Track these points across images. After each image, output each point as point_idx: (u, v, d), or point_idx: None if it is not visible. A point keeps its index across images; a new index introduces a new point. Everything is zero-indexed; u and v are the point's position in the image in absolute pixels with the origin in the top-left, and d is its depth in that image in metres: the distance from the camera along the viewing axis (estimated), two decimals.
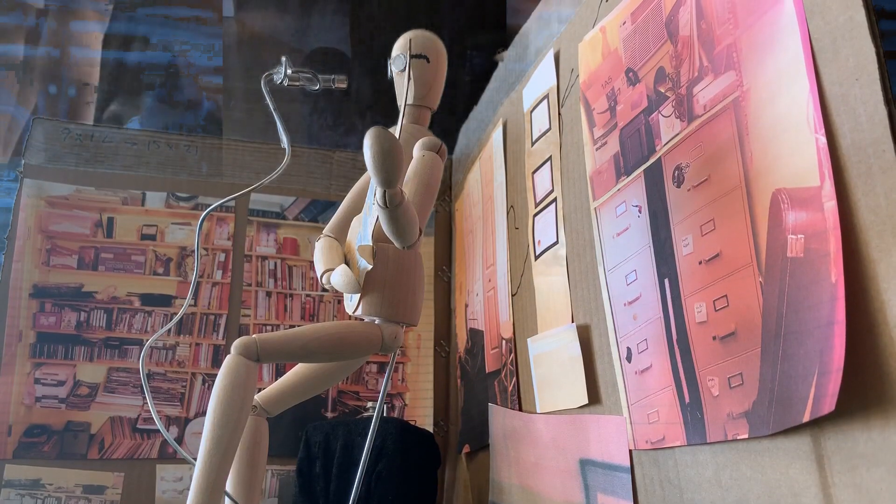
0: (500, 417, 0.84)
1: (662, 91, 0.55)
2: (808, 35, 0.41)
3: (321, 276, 0.61)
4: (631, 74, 0.60)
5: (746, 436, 0.44)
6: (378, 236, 0.55)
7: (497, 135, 0.91)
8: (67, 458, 1.00)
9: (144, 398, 1.03)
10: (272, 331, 1.08)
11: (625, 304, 0.59)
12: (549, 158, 0.74)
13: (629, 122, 0.59)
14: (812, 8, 0.41)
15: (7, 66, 1.22)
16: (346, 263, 0.60)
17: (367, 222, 0.58)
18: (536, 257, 0.76)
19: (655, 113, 0.56)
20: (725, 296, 0.47)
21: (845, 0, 0.39)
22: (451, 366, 1.12)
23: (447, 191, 1.19)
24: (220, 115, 1.28)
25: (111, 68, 1.26)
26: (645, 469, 0.56)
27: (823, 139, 0.39)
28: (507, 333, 0.84)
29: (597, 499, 0.62)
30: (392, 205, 0.49)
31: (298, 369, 0.62)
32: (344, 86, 0.67)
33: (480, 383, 0.94)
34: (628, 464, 0.57)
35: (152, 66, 1.27)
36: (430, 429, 1.09)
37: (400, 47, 0.62)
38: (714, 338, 0.48)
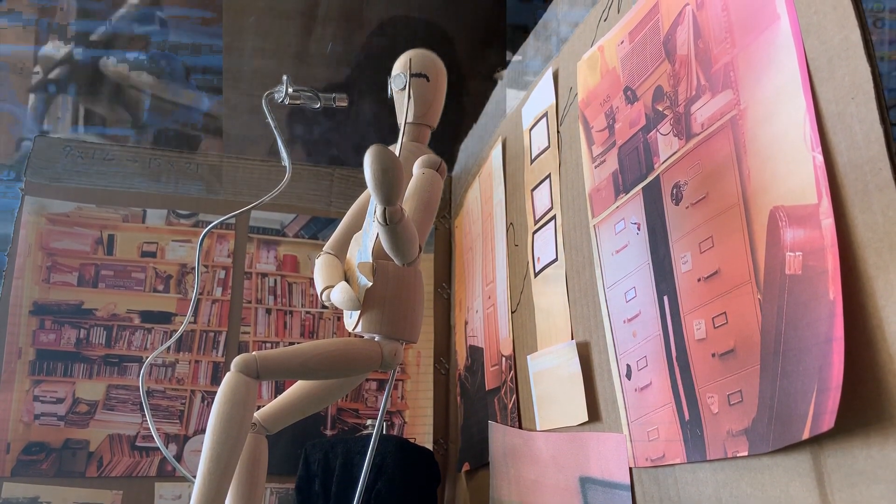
0: (499, 435, 0.84)
1: (660, 109, 0.56)
2: (804, 54, 0.42)
3: (321, 293, 0.61)
4: (629, 93, 0.60)
5: (746, 453, 0.44)
6: (378, 253, 0.55)
7: (496, 152, 0.92)
8: (66, 476, 0.99)
9: (143, 416, 1.03)
10: (272, 348, 1.08)
11: (624, 322, 0.59)
12: (549, 176, 0.74)
13: (627, 140, 0.60)
14: (808, 28, 0.42)
15: (7, 65, 1.23)
16: (346, 280, 0.60)
17: (366, 239, 0.58)
18: (536, 274, 0.76)
19: (654, 131, 0.56)
20: (724, 313, 0.47)
21: (840, 20, 0.39)
22: (450, 383, 1.12)
23: (447, 208, 1.20)
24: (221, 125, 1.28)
25: (110, 68, 1.26)
26: (645, 487, 0.55)
27: (820, 157, 0.40)
28: (507, 350, 0.84)
29: None
30: (392, 222, 0.49)
31: (298, 387, 0.62)
32: (345, 104, 0.67)
33: (480, 400, 0.93)
34: (628, 481, 0.57)
35: (152, 67, 1.28)
36: (430, 446, 1.09)
37: (400, 66, 0.63)
38: (713, 355, 0.48)
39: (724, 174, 0.48)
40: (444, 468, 1.07)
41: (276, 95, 0.66)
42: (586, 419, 0.63)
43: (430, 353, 1.14)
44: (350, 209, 0.66)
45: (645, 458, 0.55)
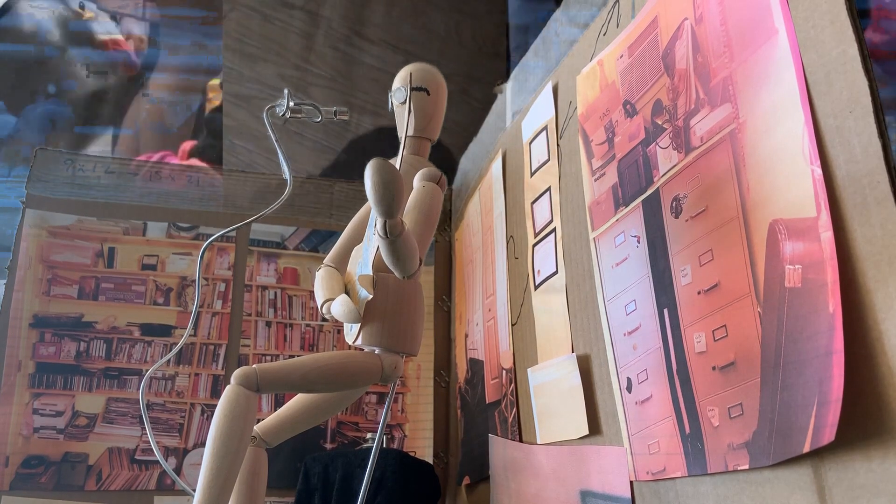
0: (500, 448, 0.83)
1: (660, 123, 0.56)
2: (801, 68, 0.42)
3: (321, 306, 0.61)
4: (628, 107, 0.60)
5: (747, 466, 0.44)
6: (378, 266, 0.55)
7: (496, 165, 0.92)
8: (65, 490, 0.99)
9: (143, 429, 1.02)
10: (272, 361, 1.08)
11: (624, 334, 0.59)
12: (549, 189, 0.74)
13: (627, 153, 0.60)
14: (805, 42, 0.42)
15: (7, 66, 1.23)
16: (347, 293, 0.60)
17: (367, 252, 0.59)
18: (536, 287, 0.76)
19: (653, 144, 0.56)
20: (724, 326, 0.47)
21: (838, 35, 0.40)
22: (451, 396, 1.12)
23: (447, 221, 1.20)
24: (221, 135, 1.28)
25: (111, 70, 1.26)
26: (646, 500, 0.55)
27: (819, 171, 0.40)
28: (507, 363, 0.84)
29: None
30: (392, 235, 0.49)
31: (298, 400, 0.62)
32: (346, 118, 0.68)
33: (480, 414, 0.93)
34: (629, 495, 0.57)
35: (151, 68, 1.28)
36: (430, 460, 1.09)
37: (401, 80, 0.63)
38: (714, 368, 0.48)
39: (724, 187, 0.48)
40: (445, 482, 1.07)
41: (277, 109, 0.66)
42: (587, 432, 0.63)
43: (430, 366, 1.14)
44: (350, 222, 0.66)
45: (646, 471, 0.55)
